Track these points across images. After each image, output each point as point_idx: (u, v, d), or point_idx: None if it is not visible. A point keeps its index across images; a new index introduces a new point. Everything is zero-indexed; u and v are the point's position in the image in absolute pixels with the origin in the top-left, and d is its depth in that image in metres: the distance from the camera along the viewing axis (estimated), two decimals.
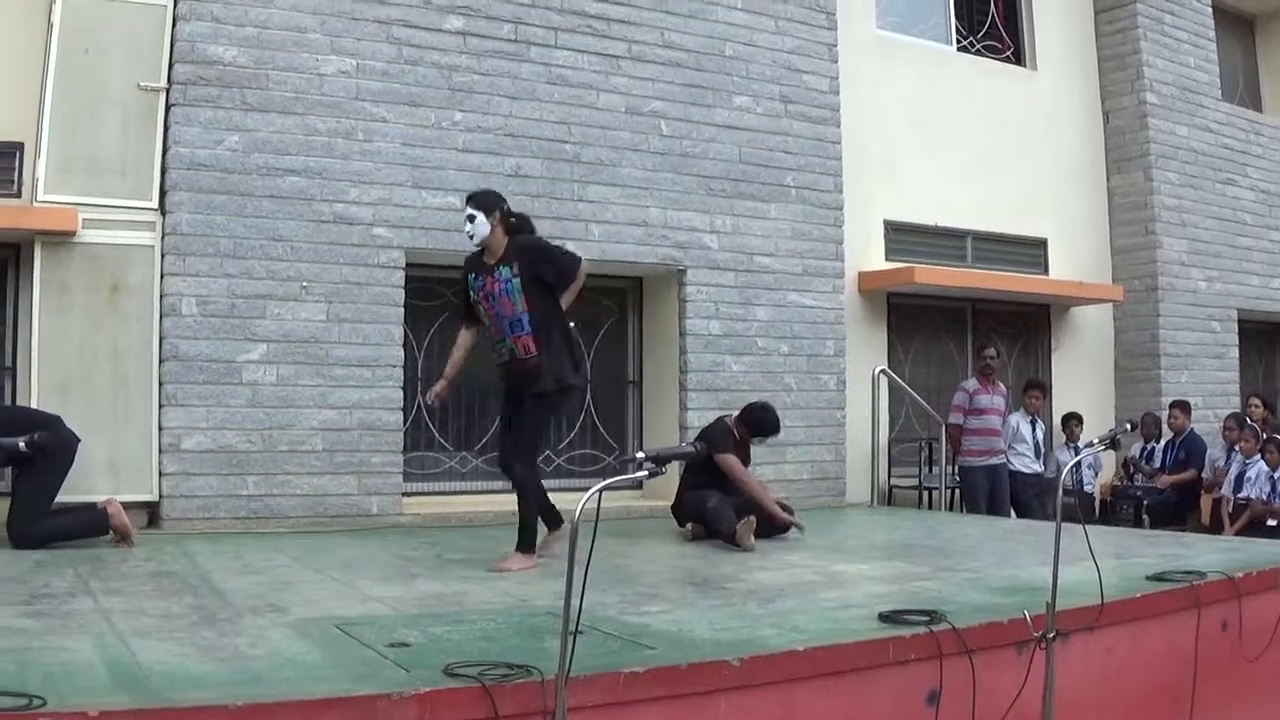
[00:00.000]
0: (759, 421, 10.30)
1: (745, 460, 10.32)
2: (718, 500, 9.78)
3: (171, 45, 10.44)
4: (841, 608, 6.72)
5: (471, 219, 8.32)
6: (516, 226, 8.44)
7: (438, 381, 8.87)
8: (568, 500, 11.09)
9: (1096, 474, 15.31)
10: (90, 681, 4.70)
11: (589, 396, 12.83)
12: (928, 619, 6.00)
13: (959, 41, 15.68)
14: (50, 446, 8.84)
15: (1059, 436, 15.28)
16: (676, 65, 12.53)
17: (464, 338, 8.88)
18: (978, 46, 15.86)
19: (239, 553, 8.80)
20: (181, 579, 7.57)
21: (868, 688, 5.66)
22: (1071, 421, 15.05)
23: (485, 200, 8.40)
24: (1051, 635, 5.83)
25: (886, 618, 6.11)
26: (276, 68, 10.73)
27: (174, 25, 10.45)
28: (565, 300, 8.43)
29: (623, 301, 13.19)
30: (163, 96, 10.44)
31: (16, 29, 10.32)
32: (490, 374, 12.04)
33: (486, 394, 12.07)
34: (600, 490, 4.31)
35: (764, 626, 6.12)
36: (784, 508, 10.13)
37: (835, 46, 13.59)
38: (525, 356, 8.29)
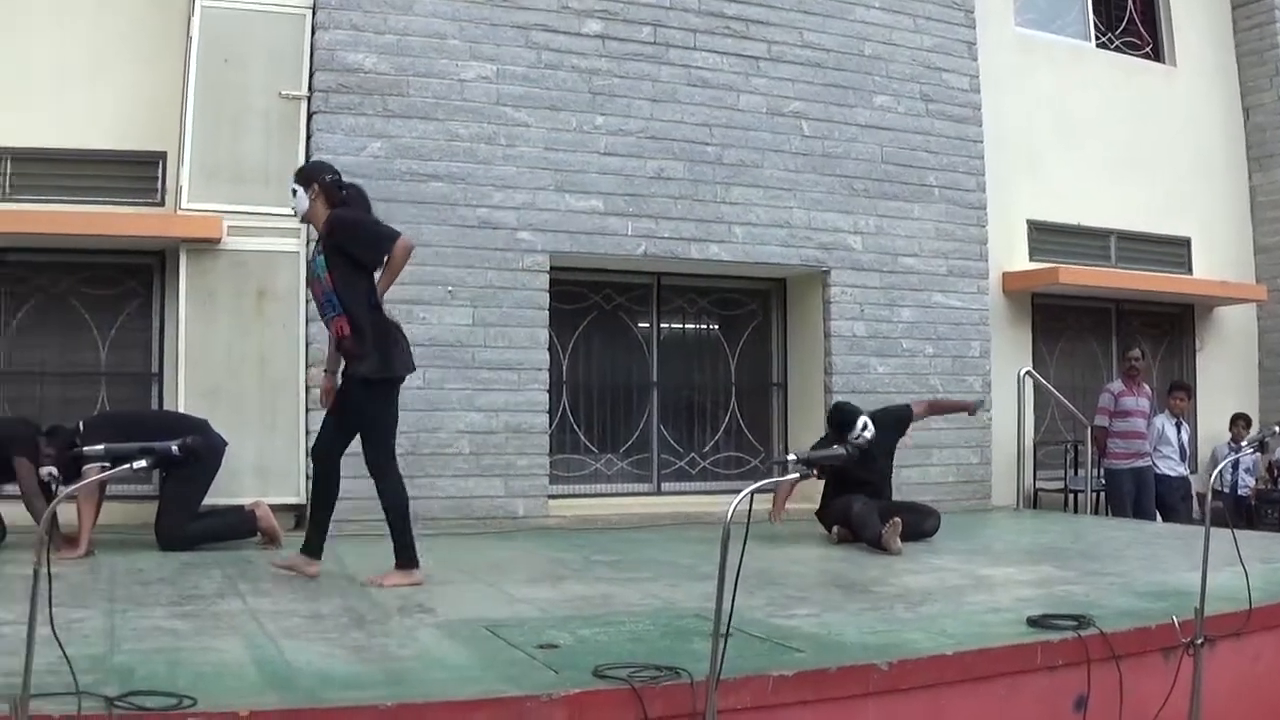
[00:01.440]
0: (828, 419, 10.02)
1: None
2: (862, 504, 9.38)
3: (311, 53, 10.31)
4: (989, 611, 6.49)
5: (294, 193, 7.42)
6: (344, 200, 7.37)
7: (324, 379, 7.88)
8: (713, 503, 11.07)
9: (1255, 478, 14.52)
10: (240, 682, 4.62)
11: (734, 398, 12.43)
12: (1075, 624, 5.78)
13: (1097, 38, 14.93)
14: (201, 450, 8.49)
15: (1224, 437, 14.42)
16: (816, 65, 12.01)
17: None
18: (1116, 43, 15.10)
19: (386, 554, 8.37)
20: (329, 580, 7.39)
21: (1015, 693, 5.49)
22: (1239, 423, 14.25)
23: (304, 173, 7.52)
24: (1200, 641, 5.61)
25: (1034, 622, 5.90)
26: (417, 74, 10.50)
27: (313, 34, 10.34)
28: (382, 283, 7.28)
29: (767, 303, 12.69)
30: (304, 104, 10.28)
31: (157, 40, 10.27)
32: (639, 373, 12.15)
33: (630, 396, 11.89)
34: (751, 493, 4.16)
35: (911, 630, 5.91)
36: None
37: (974, 44, 12.96)
38: (341, 339, 7.29)
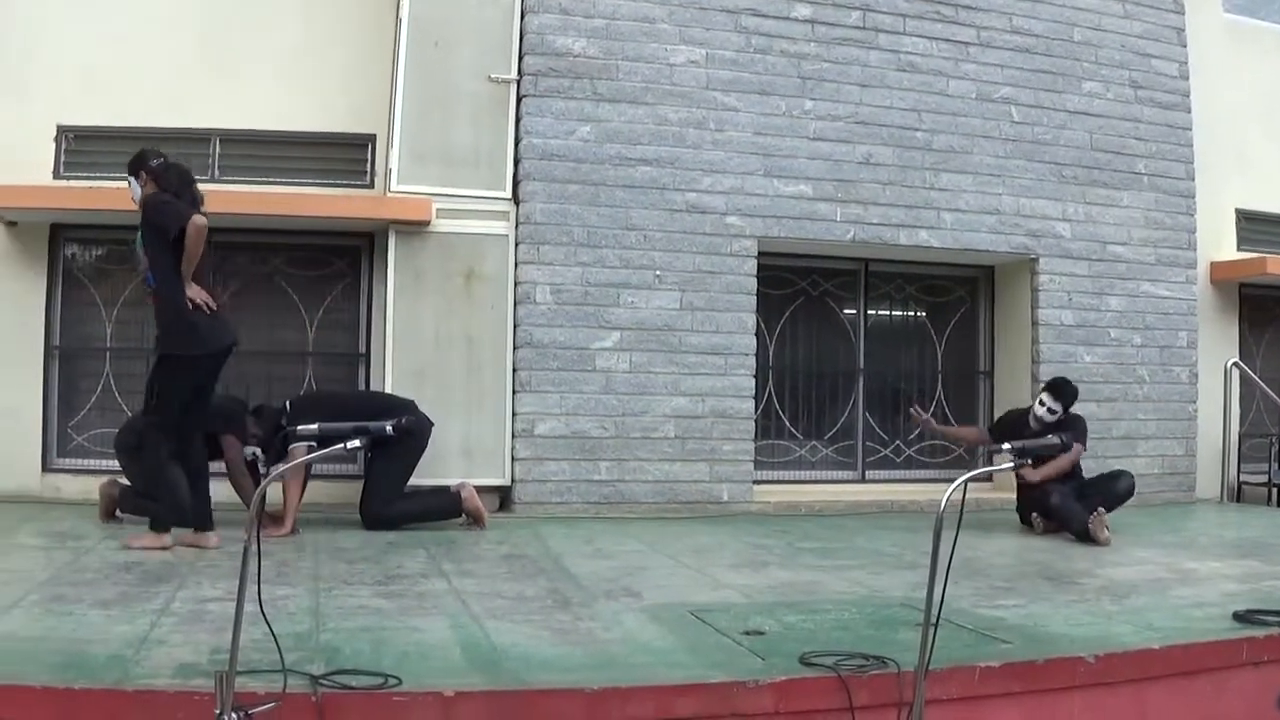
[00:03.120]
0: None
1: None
2: (1060, 495, 8.51)
3: (520, 37, 9.58)
4: (1194, 606, 5.94)
5: (129, 184, 6.99)
6: (168, 183, 6.91)
7: None
8: (919, 491, 9.96)
9: None
10: (445, 662, 4.44)
11: (940, 386, 11.29)
12: None
13: None
14: (412, 430, 7.95)
15: None
16: (1026, 51, 10.74)
17: None
18: None
19: (591, 537, 8.13)
20: (534, 562, 6.99)
21: (1221, 689, 5.07)
22: None
23: (132, 164, 7.01)
24: None
25: (1241, 617, 5.46)
26: (626, 58, 9.69)
27: (522, 17, 9.63)
28: (184, 264, 6.76)
29: (974, 290, 11.47)
30: (513, 88, 9.52)
31: (367, 24, 9.73)
32: (845, 360, 11.06)
33: (836, 382, 10.89)
34: (965, 482, 3.84)
35: (1118, 623, 5.48)
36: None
37: (1183, 30, 11.52)
38: (157, 316, 6.92)
